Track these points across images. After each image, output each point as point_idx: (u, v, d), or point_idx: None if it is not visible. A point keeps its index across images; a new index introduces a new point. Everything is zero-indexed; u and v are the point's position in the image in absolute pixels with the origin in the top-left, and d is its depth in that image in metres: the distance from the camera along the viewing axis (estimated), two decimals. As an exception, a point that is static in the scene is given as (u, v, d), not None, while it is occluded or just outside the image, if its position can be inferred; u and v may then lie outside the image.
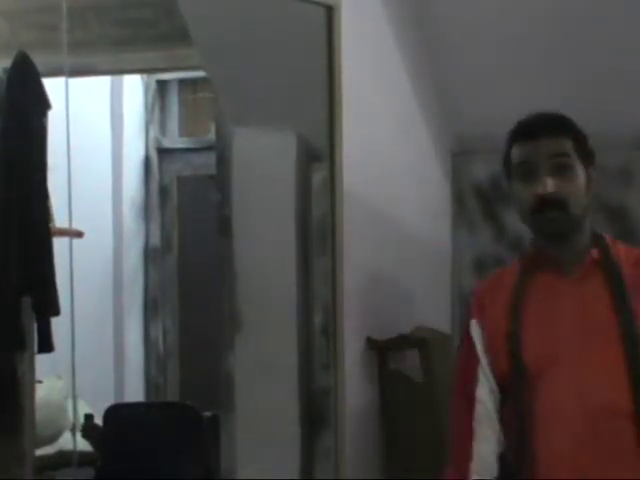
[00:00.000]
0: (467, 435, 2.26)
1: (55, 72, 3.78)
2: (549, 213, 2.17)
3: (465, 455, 2.24)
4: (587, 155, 2.26)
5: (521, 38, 3.81)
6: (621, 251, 2.26)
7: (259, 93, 3.70)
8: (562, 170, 2.19)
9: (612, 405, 2.13)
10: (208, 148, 4.96)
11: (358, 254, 3.64)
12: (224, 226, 3.72)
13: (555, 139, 2.22)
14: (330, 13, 3.54)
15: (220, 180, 3.79)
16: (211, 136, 4.89)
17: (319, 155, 3.64)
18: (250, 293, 3.66)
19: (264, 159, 3.70)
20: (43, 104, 3.70)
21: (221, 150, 3.80)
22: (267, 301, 3.67)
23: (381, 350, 3.75)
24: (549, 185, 2.17)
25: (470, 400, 2.26)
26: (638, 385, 2.13)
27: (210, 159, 4.19)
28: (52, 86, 3.76)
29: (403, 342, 3.72)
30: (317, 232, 3.66)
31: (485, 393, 2.26)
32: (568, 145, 2.22)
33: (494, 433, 2.24)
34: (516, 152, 2.25)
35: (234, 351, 3.68)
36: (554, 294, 2.22)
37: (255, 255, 3.67)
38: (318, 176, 3.65)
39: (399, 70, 3.93)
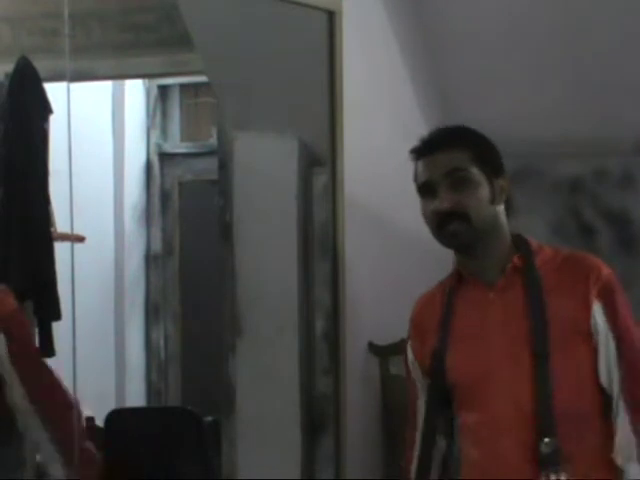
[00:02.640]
0: (412, 442, 2.35)
1: (57, 77, 3.78)
2: (450, 226, 2.20)
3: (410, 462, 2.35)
4: (491, 165, 2.25)
5: (522, 42, 3.82)
6: (548, 255, 2.27)
7: (261, 98, 3.70)
8: (461, 184, 2.19)
9: (533, 411, 2.15)
10: (209, 153, 4.96)
11: (359, 258, 3.64)
12: (225, 231, 3.72)
13: (449, 154, 2.22)
14: (331, 18, 3.55)
15: (221, 185, 3.79)
16: (213, 141, 4.89)
17: (320, 160, 3.65)
18: (251, 298, 3.66)
19: (266, 164, 3.70)
20: (45, 109, 3.70)
21: (222, 155, 3.81)
22: (268, 306, 3.67)
23: (383, 355, 3.75)
24: (446, 201, 2.18)
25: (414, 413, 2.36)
26: (542, 398, 2.14)
27: (212, 164, 4.19)
28: (54, 91, 3.76)
29: (405, 347, 3.72)
30: (318, 237, 3.66)
31: (422, 406, 2.33)
32: (464, 158, 2.21)
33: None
34: (416, 171, 2.27)
35: (235, 356, 3.68)
36: (480, 307, 2.24)
37: (256, 260, 3.67)
38: (319, 181, 3.66)
39: (401, 75, 3.93)
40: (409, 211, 4.00)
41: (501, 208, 2.26)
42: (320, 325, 3.65)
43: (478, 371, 2.19)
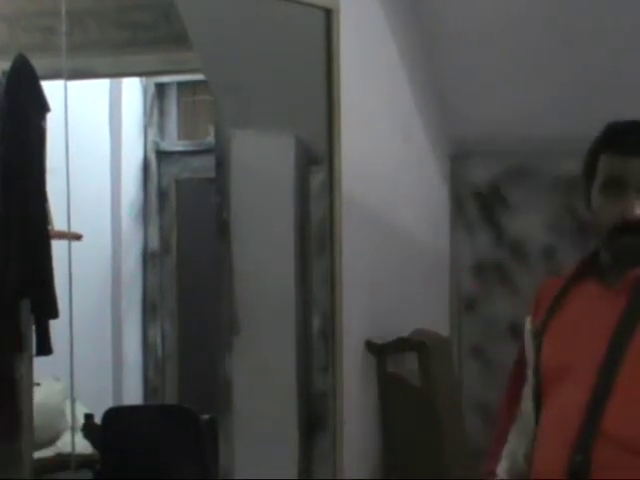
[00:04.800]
0: (504, 437, 2.27)
1: (54, 75, 3.79)
2: (625, 238, 2.07)
3: (497, 454, 2.26)
4: None
5: (521, 41, 3.82)
6: None
7: (258, 96, 3.70)
8: None
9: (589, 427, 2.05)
10: (207, 151, 4.96)
11: (357, 257, 3.64)
12: (223, 229, 3.72)
13: None
14: (329, 16, 3.54)
15: (219, 183, 3.79)
16: (210, 139, 4.88)
17: (318, 158, 3.64)
18: (249, 296, 3.66)
19: (263, 162, 3.70)
20: (42, 107, 3.70)
21: (220, 153, 3.81)
22: (265, 304, 3.67)
23: (380, 353, 3.75)
24: (638, 210, 2.05)
25: (516, 398, 2.26)
26: (591, 414, 2.02)
27: (209, 162, 4.19)
28: (51, 89, 3.76)
29: (402, 345, 3.72)
30: (316, 235, 3.66)
31: (527, 392, 2.24)
32: None
33: (527, 434, 2.21)
34: (604, 164, 2.15)
35: (232, 354, 3.68)
36: (590, 303, 2.15)
37: (254, 258, 3.67)
38: (317, 179, 3.66)
39: (398, 73, 3.93)
40: (406, 209, 4.01)
41: None
42: (317, 323, 3.65)
43: (560, 365, 2.12)
